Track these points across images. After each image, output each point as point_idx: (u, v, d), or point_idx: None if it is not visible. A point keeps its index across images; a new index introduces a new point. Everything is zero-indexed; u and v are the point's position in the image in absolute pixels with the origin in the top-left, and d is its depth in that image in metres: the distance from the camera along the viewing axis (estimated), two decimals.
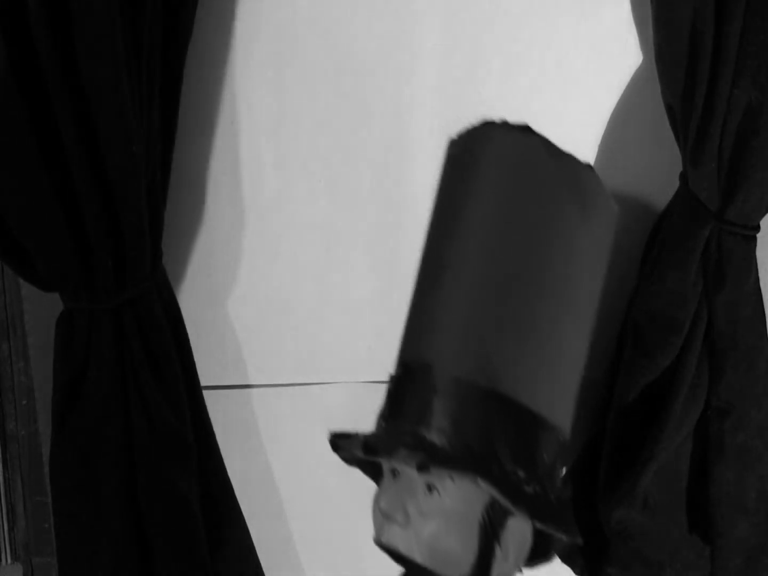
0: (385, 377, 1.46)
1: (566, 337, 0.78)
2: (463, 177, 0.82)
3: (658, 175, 1.37)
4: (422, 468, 0.76)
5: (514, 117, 1.31)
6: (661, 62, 1.23)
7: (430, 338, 0.79)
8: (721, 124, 1.22)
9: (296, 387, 1.46)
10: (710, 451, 1.34)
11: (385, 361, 1.45)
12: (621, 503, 1.34)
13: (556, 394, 0.78)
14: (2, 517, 1.42)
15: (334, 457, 1.52)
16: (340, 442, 0.86)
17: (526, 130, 0.80)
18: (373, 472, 0.91)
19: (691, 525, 1.41)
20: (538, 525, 0.78)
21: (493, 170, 0.79)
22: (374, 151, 1.31)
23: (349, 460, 0.90)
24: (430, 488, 0.79)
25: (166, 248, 1.20)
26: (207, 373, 1.33)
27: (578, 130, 1.34)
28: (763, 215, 1.31)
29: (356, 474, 1.54)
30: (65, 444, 1.20)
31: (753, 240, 1.31)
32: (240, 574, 1.37)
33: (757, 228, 1.31)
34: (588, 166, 0.81)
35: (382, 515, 0.83)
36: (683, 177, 1.30)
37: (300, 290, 1.38)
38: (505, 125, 0.81)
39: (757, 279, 1.34)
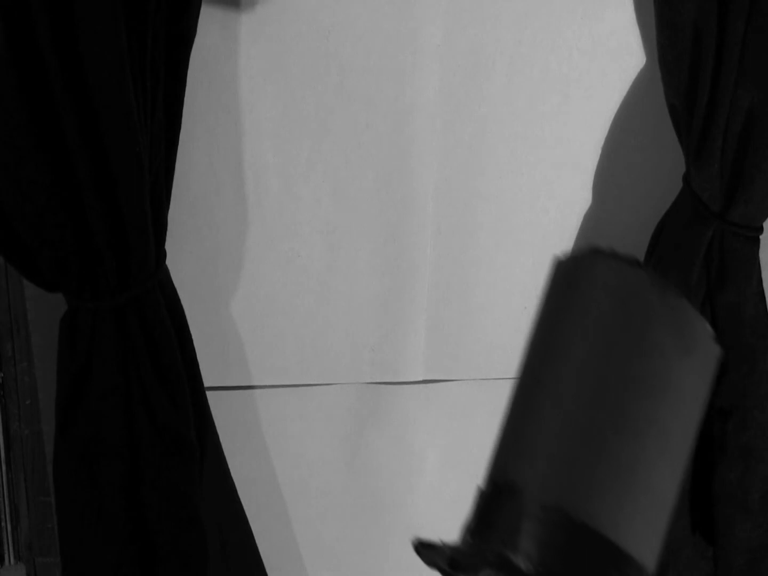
0: (387, 378, 1.47)
1: (659, 475, 0.78)
2: (567, 303, 0.81)
3: (661, 175, 1.37)
4: None
5: (517, 117, 1.33)
6: (664, 63, 1.23)
7: (522, 462, 0.79)
8: (724, 125, 1.22)
9: (299, 388, 1.46)
10: (713, 452, 1.34)
11: (387, 362, 1.47)
12: None
13: (646, 533, 0.78)
14: (6, 517, 1.42)
15: (336, 458, 1.53)
16: (425, 551, 0.85)
17: (633, 262, 0.80)
18: None
19: (694, 525, 1.41)
20: None
21: (596, 300, 0.79)
22: (377, 152, 1.31)
23: (431, 564, 0.90)
24: None
25: (169, 249, 1.20)
26: (210, 373, 1.33)
27: (581, 131, 1.34)
28: (766, 216, 1.31)
29: (358, 475, 1.55)
30: (68, 444, 1.20)
31: (756, 241, 1.32)
32: (243, 575, 1.38)
33: (760, 229, 1.31)
34: (692, 305, 0.80)
35: None
36: (686, 178, 1.30)
37: (303, 291, 1.39)
38: (612, 255, 0.80)
39: (760, 280, 1.34)
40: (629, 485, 0.75)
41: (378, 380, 1.48)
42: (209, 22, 1.21)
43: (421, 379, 1.48)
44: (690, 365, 0.77)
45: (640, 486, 0.76)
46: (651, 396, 0.76)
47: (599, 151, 1.36)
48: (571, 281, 0.80)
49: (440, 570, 0.87)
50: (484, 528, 0.79)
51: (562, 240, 1.41)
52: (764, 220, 1.31)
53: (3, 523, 1.42)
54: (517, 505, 0.76)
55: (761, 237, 1.32)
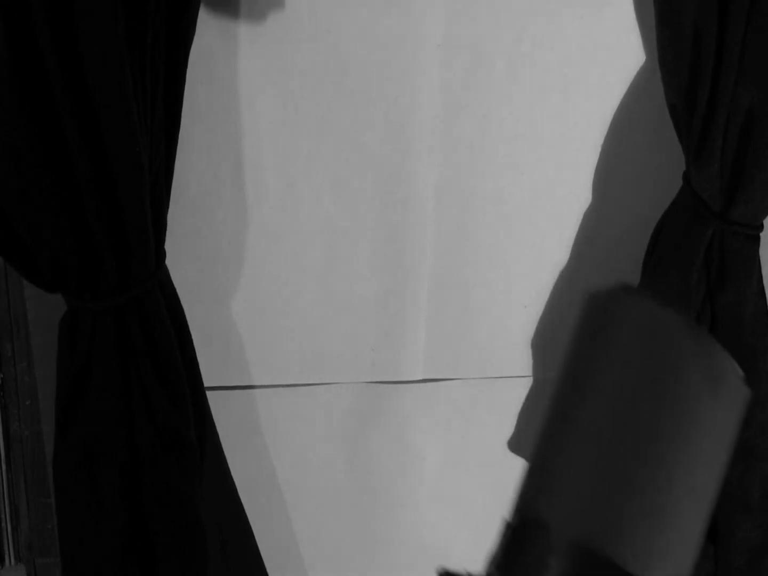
0: (387, 377, 1.47)
1: (686, 515, 0.79)
2: (598, 339, 0.82)
3: (661, 174, 1.37)
4: None
5: (517, 117, 1.33)
6: (664, 61, 1.23)
7: (549, 497, 0.79)
8: (724, 124, 1.22)
9: (299, 387, 1.46)
10: None
11: (387, 362, 1.47)
12: None
13: (671, 571, 0.79)
14: (6, 518, 1.42)
15: (336, 457, 1.53)
16: None
17: (665, 303, 0.80)
18: None
19: None
20: None
21: (627, 340, 0.79)
22: (377, 151, 1.31)
23: None
24: None
25: (169, 249, 1.20)
26: (210, 373, 1.33)
27: (581, 130, 1.34)
28: (766, 215, 1.31)
29: (358, 474, 1.55)
30: (68, 444, 1.20)
31: (756, 240, 1.31)
32: (243, 575, 1.38)
33: (761, 227, 1.31)
34: (722, 348, 0.81)
35: None
36: (686, 177, 1.30)
37: (303, 291, 1.39)
38: (644, 295, 0.81)
39: (761, 279, 1.34)
40: (656, 524, 0.76)
41: (378, 380, 1.48)
42: (209, 21, 1.21)
43: (420, 378, 1.48)
44: (719, 407, 0.78)
45: (667, 525, 0.76)
46: (679, 436, 0.76)
47: (599, 151, 1.36)
48: (603, 319, 0.81)
49: None
50: (510, 561, 0.79)
51: (562, 240, 1.41)
52: (765, 218, 1.31)
53: (3, 524, 1.42)
54: (544, 540, 0.76)
55: (761, 234, 1.32)
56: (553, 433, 0.81)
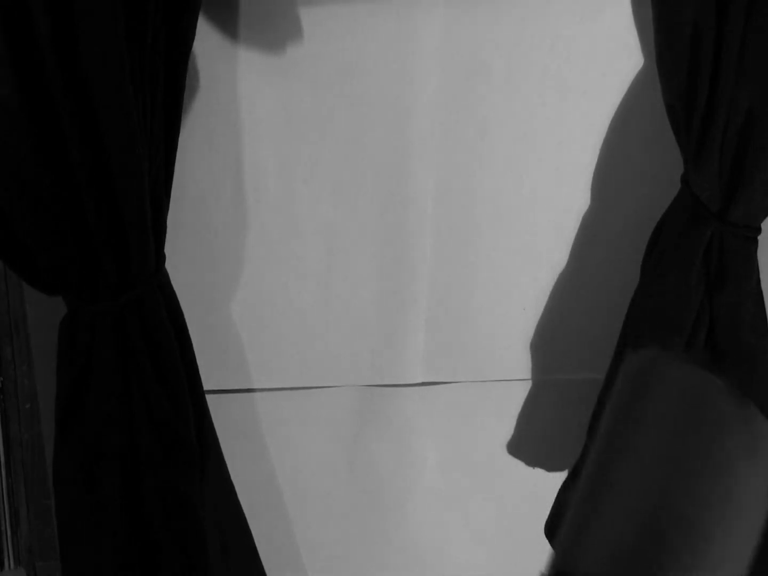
0: (387, 380, 1.47)
1: (724, 572, 0.79)
2: (638, 401, 0.83)
3: (660, 175, 1.37)
4: None
5: (516, 118, 1.33)
6: (662, 63, 1.23)
7: (584, 553, 0.80)
8: (723, 125, 1.22)
9: (299, 390, 1.46)
10: None
11: (387, 364, 1.47)
12: None
13: None
14: (5, 521, 1.42)
15: (336, 460, 1.53)
16: None
17: (705, 366, 0.81)
18: None
19: None
20: None
21: (667, 401, 0.80)
22: (377, 152, 1.31)
23: None
24: None
25: (168, 252, 1.21)
26: (210, 377, 1.33)
27: (580, 131, 1.34)
28: (765, 217, 1.31)
29: (358, 477, 1.55)
30: (68, 446, 1.20)
31: (754, 241, 1.32)
32: None
33: (758, 230, 1.31)
34: (759, 412, 0.82)
35: None
36: (685, 178, 1.30)
37: (303, 293, 1.39)
38: (684, 358, 0.82)
39: (759, 280, 1.34)
40: None
41: (378, 383, 1.48)
42: (209, 22, 1.21)
43: (420, 381, 1.48)
44: (756, 469, 0.78)
45: None
46: (717, 497, 0.77)
47: (598, 152, 1.36)
48: (643, 381, 0.81)
49: None
50: None
51: (562, 241, 1.41)
52: (763, 219, 1.31)
53: (3, 527, 1.42)
54: None
55: (761, 238, 1.32)
56: (591, 491, 0.82)
